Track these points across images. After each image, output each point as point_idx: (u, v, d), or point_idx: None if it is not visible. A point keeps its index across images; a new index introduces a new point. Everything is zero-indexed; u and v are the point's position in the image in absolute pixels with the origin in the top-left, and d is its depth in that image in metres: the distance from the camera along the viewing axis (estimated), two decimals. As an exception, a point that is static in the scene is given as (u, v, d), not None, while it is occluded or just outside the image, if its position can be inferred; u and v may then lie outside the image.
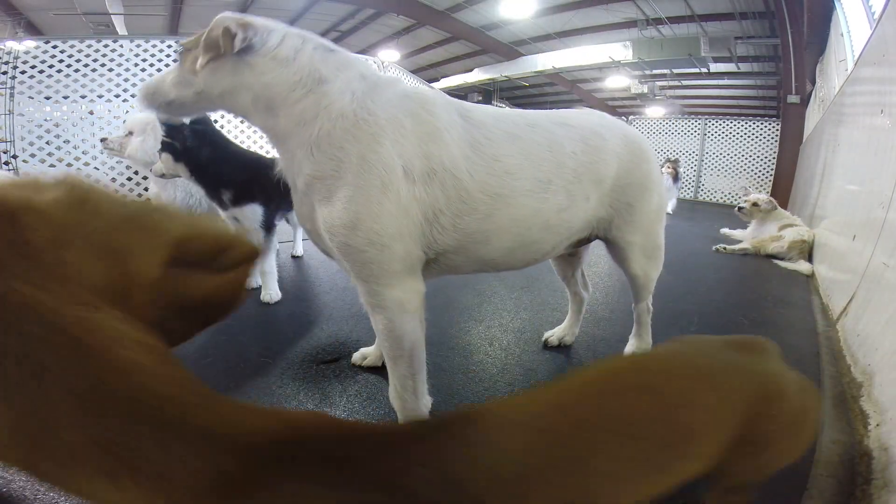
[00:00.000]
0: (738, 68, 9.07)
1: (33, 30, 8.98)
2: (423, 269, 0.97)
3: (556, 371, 1.46)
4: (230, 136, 2.69)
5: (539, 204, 1.00)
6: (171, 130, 1.82)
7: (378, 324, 0.92)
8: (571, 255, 1.50)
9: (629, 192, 1.17)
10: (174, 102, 0.93)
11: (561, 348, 1.60)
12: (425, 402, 1.00)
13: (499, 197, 0.95)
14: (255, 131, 4.08)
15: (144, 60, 4.00)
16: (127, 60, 3.92)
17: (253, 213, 1.93)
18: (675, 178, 6.15)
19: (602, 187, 1.12)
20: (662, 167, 6.08)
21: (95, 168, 3.52)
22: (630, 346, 1.51)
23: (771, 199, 3.99)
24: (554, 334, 1.62)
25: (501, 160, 0.95)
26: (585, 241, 1.26)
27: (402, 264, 0.89)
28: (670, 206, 6.03)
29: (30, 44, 3.69)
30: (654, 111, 12.57)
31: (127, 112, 3.64)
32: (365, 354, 1.43)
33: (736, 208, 4.13)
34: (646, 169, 1.19)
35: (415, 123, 0.88)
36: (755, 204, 3.94)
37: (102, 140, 2.48)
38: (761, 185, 7.50)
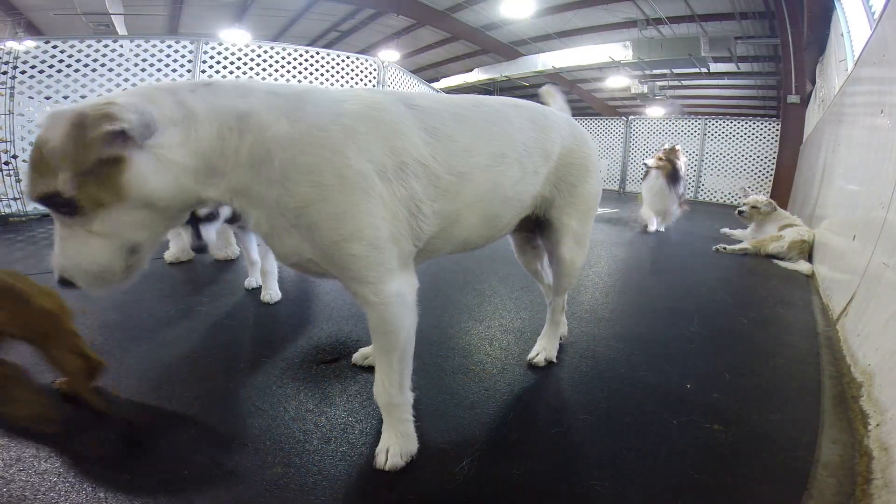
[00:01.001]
0: (738, 68, 9.07)
1: (33, 30, 8.99)
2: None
3: (556, 369, 1.46)
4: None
5: (497, 178, 1.06)
6: None
7: (376, 319, 0.93)
8: (535, 248, 1.54)
9: (572, 172, 1.27)
10: (136, 252, 0.80)
11: (561, 346, 1.60)
12: (408, 398, 1.01)
13: (462, 175, 0.99)
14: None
15: (144, 60, 4.00)
16: (127, 60, 3.92)
17: None
18: (674, 176, 4.29)
19: (549, 163, 1.21)
20: (650, 159, 4.58)
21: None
22: (536, 349, 1.50)
23: (770, 200, 3.99)
24: None
25: (457, 140, 0.99)
26: (526, 222, 1.31)
27: (398, 261, 0.92)
28: (653, 226, 4.36)
29: (30, 44, 3.69)
30: (654, 111, 12.57)
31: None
32: (365, 354, 1.43)
33: (736, 211, 4.14)
34: (585, 152, 1.31)
35: (368, 125, 0.86)
36: (755, 206, 3.94)
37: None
38: (761, 186, 7.51)
